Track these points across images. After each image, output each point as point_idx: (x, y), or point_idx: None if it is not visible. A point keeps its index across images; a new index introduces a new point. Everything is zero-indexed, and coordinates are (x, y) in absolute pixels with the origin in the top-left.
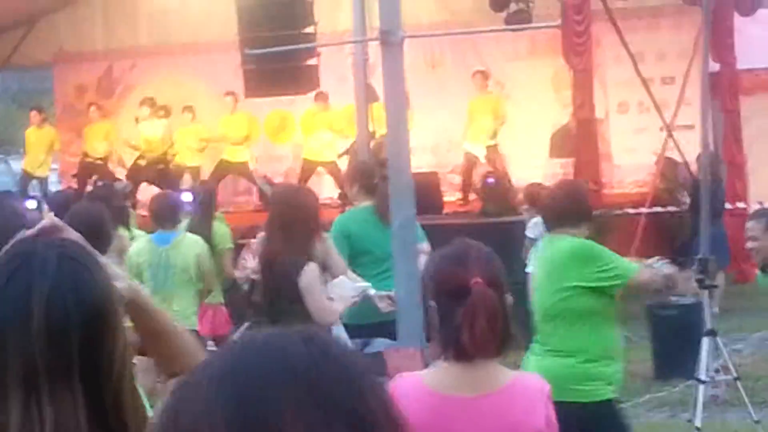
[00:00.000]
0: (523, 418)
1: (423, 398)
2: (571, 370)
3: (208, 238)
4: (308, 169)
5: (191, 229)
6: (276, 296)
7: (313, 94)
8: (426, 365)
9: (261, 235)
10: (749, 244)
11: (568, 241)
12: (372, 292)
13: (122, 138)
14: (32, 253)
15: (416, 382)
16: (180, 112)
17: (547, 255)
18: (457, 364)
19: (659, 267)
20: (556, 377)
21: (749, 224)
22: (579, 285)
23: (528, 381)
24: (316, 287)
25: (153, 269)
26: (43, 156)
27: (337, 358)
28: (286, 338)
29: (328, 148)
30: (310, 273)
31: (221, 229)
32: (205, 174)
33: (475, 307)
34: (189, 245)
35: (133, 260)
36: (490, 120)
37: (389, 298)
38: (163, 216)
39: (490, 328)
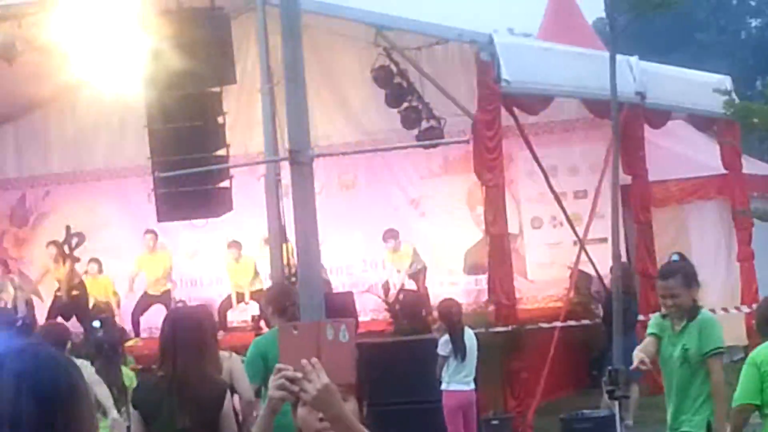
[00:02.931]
0: None
1: None
2: None
3: (116, 384)
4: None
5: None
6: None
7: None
8: None
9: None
10: (669, 302)
11: None
12: None
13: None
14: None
15: None
16: (86, 262)
17: None
18: None
19: None
20: None
21: (666, 283)
22: None
23: None
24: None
25: None
26: None
27: None
28: None
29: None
30: (229, 399)
31: (129, 374)
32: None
33: None
34: None
35: None
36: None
37: None
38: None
39: None
